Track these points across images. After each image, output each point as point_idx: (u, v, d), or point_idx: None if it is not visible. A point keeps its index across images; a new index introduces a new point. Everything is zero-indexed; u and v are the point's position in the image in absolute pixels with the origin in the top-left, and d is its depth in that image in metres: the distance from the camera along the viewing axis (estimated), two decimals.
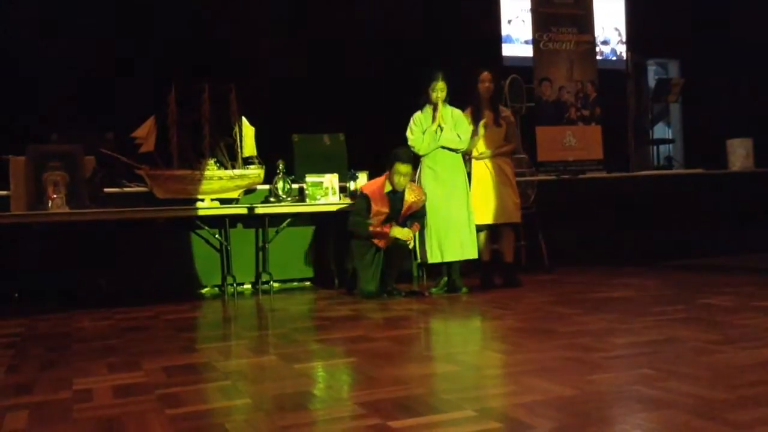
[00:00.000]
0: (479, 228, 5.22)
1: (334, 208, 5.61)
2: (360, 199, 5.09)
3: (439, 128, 5.05)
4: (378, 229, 4.98)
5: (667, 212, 7.20)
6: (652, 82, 9.63)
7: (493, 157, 5.28)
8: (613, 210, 7.09)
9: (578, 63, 8.23)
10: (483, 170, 5.26)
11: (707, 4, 9.16)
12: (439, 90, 5.05)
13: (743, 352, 2.87)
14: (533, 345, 3.17)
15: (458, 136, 5.08)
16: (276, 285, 5.75)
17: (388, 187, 5.00)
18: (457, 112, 5.17)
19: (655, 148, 9.50)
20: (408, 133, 5.11)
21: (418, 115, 5.15)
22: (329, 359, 3.15)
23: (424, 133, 5.06)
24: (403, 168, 4.90)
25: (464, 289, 5.09)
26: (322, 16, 7.50)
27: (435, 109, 5.06)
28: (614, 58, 9.60)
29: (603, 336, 3.29)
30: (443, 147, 5.08)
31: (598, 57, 8.98)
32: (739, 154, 7.61)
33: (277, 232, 5.69)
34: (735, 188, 7.45)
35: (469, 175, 5.25)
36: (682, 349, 3.00)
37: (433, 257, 5.07)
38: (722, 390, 2.33)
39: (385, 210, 4.99)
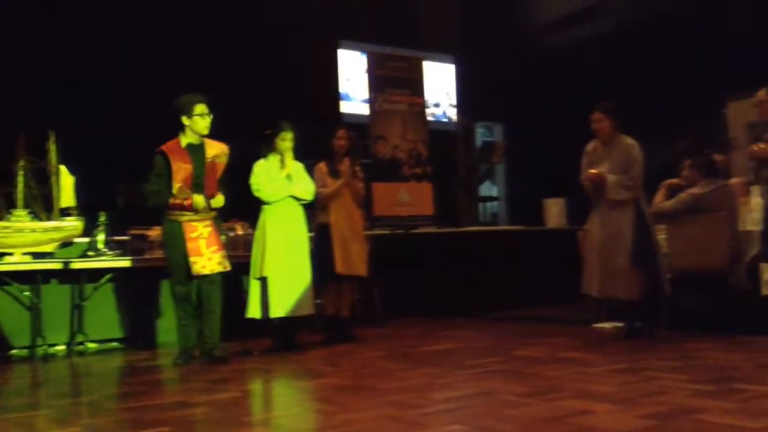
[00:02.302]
0: (337, 279, 5.21)
1: (159, 263, 5.36)
2: (155, 160, 4.56)
3: (288, 177, 5.03)
4: (179, 202, 4.52)
5: (493, 266, 7.61)
6: (480, 143, 10.29)
7: (356, 208, 5.38)
8: (444, 264, 7.38)
9: (411, 123, 8.63)
10: (343, 221, 5.28)
11: (529, 74, 9.96)
12: (289, 139, 5.04)
13: (547, 404, 3.06)
14: (354, 404, 3.18)
15: (305, 188, 5.09)
16: (93, 346, 5.37)
17: (185, 141, 4.62)
18: (299, 165, 5.17)
19: (482, 205, 10.10)
20: (252, 180, 4.97)
21: (261, 162, 5.07)
22: (139, 430, 2.95)
23: (272, 180, 4.98)
24: (199, 107, 4.62)
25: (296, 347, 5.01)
26: (161, 68, 7.27)
27: (283, 158, 5.04)
28: (445, 120, 10.14)
29: (422, 391, 3.38)
30: (292, 197, 5.04)
31: (431, 118, 9.46)
32: (554, 212, 8.26)
33: (95, 288, 5.34)
34: (550, 244, 8.04)
35: (322, 225, 5.25)
36: (492, 402, 3.14)
37: (275, 312, 4.90)
38: None
39: (188, 165, 4.55)
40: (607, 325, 5.57)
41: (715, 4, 8.26)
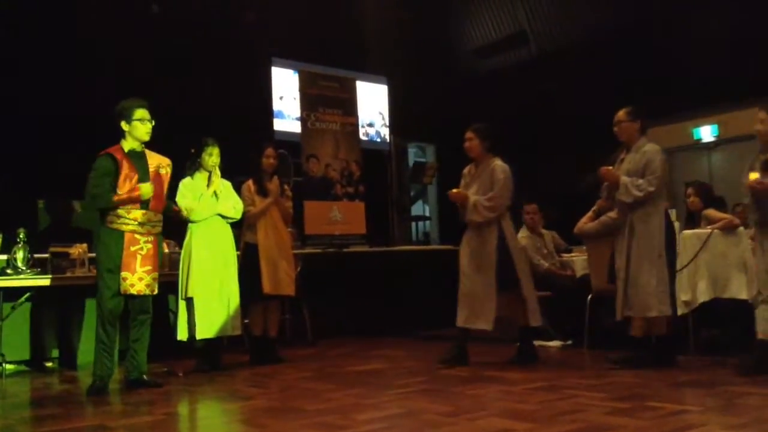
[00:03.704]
0: (265, 298, 5.15)
1: (81, 282, 5.20)
2: (101, 161, 4.25)
3: (215, 195, 4.96)
4: (125, 196, 4.22)
5: (424, 284, 7.69)
6: (412, 163, 10.42)
7: (284, 227, 5.34)
8: (376, 282, 7.42)
9: (343, 142, 8.68)
10: (271, 240, 5.22)
11: (460, 95, 10.17)
12: (216, 154, 4.98)
13: (470, 423, 3.12)
14: (279, 426, 3.17)
15: (233, 206, 5.04)
16: (10, 367, 5.15)
17: (127, 147, 4.33)
18: (227, 182, 5.11)
19: (414, 224, 10.21)
20: (179, 199, 4.87)
21: (187, 180, 4.98)
22: None
23: (199, 198, 4.91)
24: (139, 111, 4.37)
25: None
26: (85, 79, 7.09)
27: (210, 175, 4.97)
28: (378, 140, 10.22)
29: (348, 412, 3.39)
30: (219, 215, 4.98)
31: (364, 138, 9.53)
32: None
33: (13, 308, 5.14)
34: None
35: (250, 245, 5.20)
36: (417, 422, 3.18)
37: (203, 332, 4.83)
38: None
39: (134, 173, 4.27)
40: (553, 343, 5.73)
41: (637, 32, 8.65)
